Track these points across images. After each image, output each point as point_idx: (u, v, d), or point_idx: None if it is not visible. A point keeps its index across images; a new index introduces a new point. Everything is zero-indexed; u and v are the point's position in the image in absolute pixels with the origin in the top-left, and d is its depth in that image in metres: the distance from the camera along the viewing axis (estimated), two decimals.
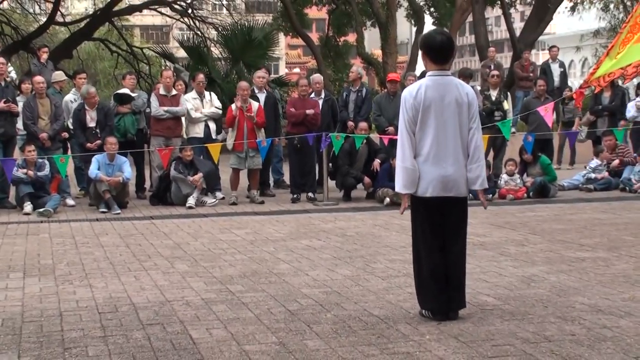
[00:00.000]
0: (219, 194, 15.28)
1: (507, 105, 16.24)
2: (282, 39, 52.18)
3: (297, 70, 72.53)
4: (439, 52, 6.65)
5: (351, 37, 40.88)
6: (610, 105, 17.56)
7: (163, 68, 21.85)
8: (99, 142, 14.63)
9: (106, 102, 15.73)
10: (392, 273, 8.60)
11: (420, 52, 6.92)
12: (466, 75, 15.97)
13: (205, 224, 12.55)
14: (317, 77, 16.52)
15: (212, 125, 15.69)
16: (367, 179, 14.90)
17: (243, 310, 7.07)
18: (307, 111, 15.09)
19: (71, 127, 15.32)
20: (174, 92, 15.55)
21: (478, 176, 6.69)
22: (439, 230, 6.69)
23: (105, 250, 10.34)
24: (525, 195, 15.03)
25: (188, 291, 7.88)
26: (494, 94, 16.25)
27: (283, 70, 70.30)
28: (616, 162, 16.27)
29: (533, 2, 31.56)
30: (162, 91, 15.48)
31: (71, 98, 15.86)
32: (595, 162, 16.46)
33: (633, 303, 7.09)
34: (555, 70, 21.57)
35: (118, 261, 9.55)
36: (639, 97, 17.69)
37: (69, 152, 15.76)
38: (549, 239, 10.64)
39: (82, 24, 31.43)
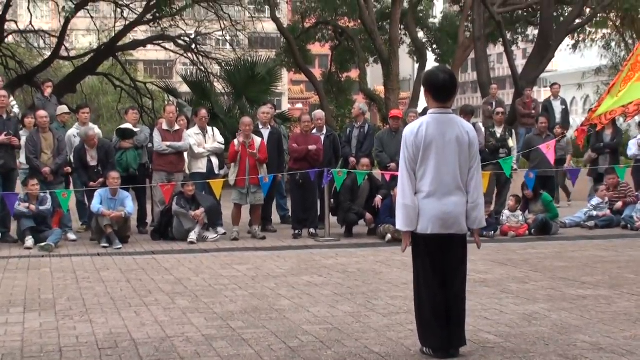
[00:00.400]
0: (220, 230, 15.27)
1: (511, 142, 16.27)
2: (285, 75, 52.35)
3: (299, 105, 72.74)
4: (441, 89, 6.67)
5: (354, 73, 41.10)
6: (612, 143, 17.58)
7: (166, 103, 21.90)
8: (101, 180, 14.66)
9: (106, 141, 15.75)
10: (394, 310, 8.58)
11: (422, 89, 6.95)
12: (468, 112, 16.00)
13: (206, 260, 12.54)
14: (319, 113, 16.59)
15: (215, 161, 15.72)
16: (368, 215, 14.90)
17: (243, 347, 7.05)
18: (310, 147, 15.14)
19: (74, 161, 15.37)
20: (176, 127, 15.59)
21: (476, 216, 6.71)
22: (440, 267, 6.70)
23: (106, 285, 10.32)
24: (527, 232, 15.02)
25: (188, 327, 7.86)
26: (498, 131, 16.27)
27: (286, 106, 70.47)
28: (619, 204, 16.25)
29: (535, 40, 31.70)
30: (164, 126, 15.52)
31: (74, 132, 15.91)
32: (596, 200, 16.45)
33: (634, 341, 7.07)
34: (557, 107, 21.63)
35: (119, 296, 9.54)
36: None
37: (71, 186, 15.79)
38: (551, 276, 10.63)
39: (86, 59, 31.57)
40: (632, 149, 17.44)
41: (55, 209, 14.51)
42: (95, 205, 14.09)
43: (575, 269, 11.20)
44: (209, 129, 15.96)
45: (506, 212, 15.32)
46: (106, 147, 15.16)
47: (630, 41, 33.88)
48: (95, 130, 15.60)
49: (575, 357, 6.60)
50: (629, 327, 7.64)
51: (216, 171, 15.65)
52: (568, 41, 35.70)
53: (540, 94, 75.29)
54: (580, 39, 36.79)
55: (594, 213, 16.16)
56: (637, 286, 9.79)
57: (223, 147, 15.98)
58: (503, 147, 16.01)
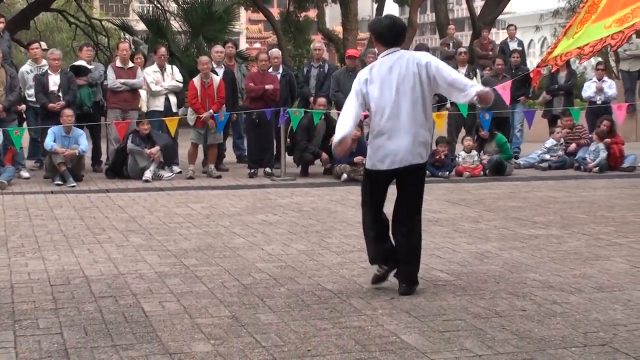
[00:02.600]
0: (176, 168, 15.21)
1: (475, 82, 16.22)
2: (243, 14, 51.96)
3: (257, 45, 72.21)
4: (385, 33, 6.73)
5: (312, 13, 40.84)
6: (566, 85, 17.65)
7: (121, 40, 21.61)
8: (62, 102, 14.44)
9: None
10: (347, 248, 8.62)
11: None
12: (422, 50, 16.00)
13: (161, 198, 12.49)
14: (276, 51, 16.47)
15: (173, 99, 15.58)
16: (324, 155, 14.89)
17: (197, 284, 7.06)
18: (266, 86, 15.04)
19: (28, 98, 15.17)
20: (130, 64, 15.42)
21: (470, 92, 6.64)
22: (380, 194, 6.85)
23: (60, 223, 10.25)
24: (482, 172, 15.12)
25: (142, 264, 7.85)
26: (462, 71, 16.20)
27: (243, 45, 69.87)
28: (573, 145, 16.38)
29: None
30: (118, 63, 15.34)
31: (27, 69, 15.67)
32: (550, 141, 16.57)
33: (583, 280, 7.17)
34: (514, 48, 21.62)
35: (72, 234, 9.48)
36: (596, 77, 17.81)
37: (25, 124, 15.59)
38: (504, 216, 10.72)
39: None
40: (586, 91, 17.56)
41: (7, 147, 14.34)
42: (49, 142, 13.94)
43: (528, 209, 11.31)
44: (168, 67, 15.80)
45: (462, 152, 15.40)
46: (69, 74, 14.95)
47: None
48: (59, 52, 15.36)
49: (525, 294, 6.68)
50: (579, 265, 7.74)
51: (174, 109, 15.51)
52: None
53: (499, 35, 75.37)
54: None
55: (547, 156, 16.28)
56: (588, 226, 9.91)
57: (181, 85, 15.86)
58: None
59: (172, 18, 29.61)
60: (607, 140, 15.78)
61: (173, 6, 30.91)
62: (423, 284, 7.00)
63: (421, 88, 6.64)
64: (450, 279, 7.23)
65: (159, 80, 15.44)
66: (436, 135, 15.47)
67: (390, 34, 6.73)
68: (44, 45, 17.11)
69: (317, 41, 18.85)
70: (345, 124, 6.60)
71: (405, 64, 6.65)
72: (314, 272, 7.53)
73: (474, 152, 15.33)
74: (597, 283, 7.06)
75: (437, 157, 14.99)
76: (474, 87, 6.70)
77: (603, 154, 15.68)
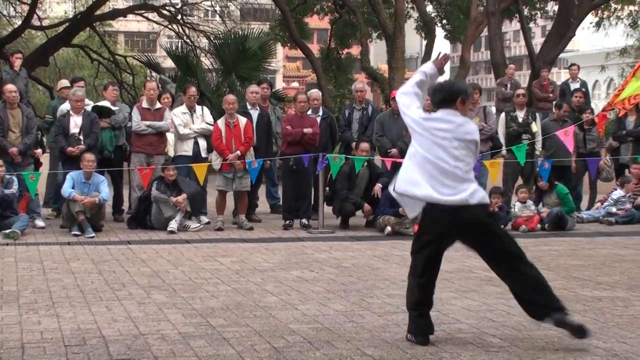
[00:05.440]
0: (203, 219, 15.29)
1: (535, 127, 16.20)
2: (280, 50, 52.29)
3: (295, 84, 72.72)
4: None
5: (355, 50, 40.99)
6: (636, 130, 17.55)
7: (147, 79, 21.89)
8: (82, 147, 14.62)
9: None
10: (390, 309, 8.60)
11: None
12: (475, 88, 16.15)
13: (187, 251, 12.55)
14: (315, 92, 16.57)
15: (203, 143, 15.62)
16: (367, 206, 14.91)
17: (224, 347, 7.07)
18: (305, 130, 15.12)
19: (44, 140, 15.36)
20: (158, 105, 15.59)
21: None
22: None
23: (76, 277, 10.33)
24: (540, 226, 15.03)
25: (164, 324, 7.87)
26: (520, 114, 16.23)
27: (280, 84, 70.52)
28: None
29: (555, 16, 31.70)
30: (145, 104, 15.52)
31: (67, 107, 15.78)
32: (618, 193, 16.47)
33: None
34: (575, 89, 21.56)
35: (89, 289, 9.54)
36: None
37: (40, 169, 15.77)
38: (564, 275, 10.64)
39: (61, 29, 31.52)
40: None
41: (22, 193, 14.50)
42: (67, 189, 14.08)
43: (591, 268, 11.22)
44: (198, 108, 15.93)
45: (517, 203, 15.33)
46: (92, 116, 15.13)
47: None
48: (82, 93, 15.54)
49: None
50: None
51: (203, 154, 15.57)
52: (591, 18, 35.69)
53: (560, 75, 75.34)
54: (605, 16, 36.74)
55: (614, 209, 16.18)
56: None
57: (212, 128, 15.97)
58: (526, 132, 15.98)
59: (203, 55, 29.94)
60: None
61: (204, 42, 31.29)
62: (474, 350, 6.97)
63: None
64: (504, 345, 7.18)
65: (187, 122, 15.56)
66: (490, 185, 15.48)
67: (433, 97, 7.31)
68: (65, 82, 17.35)
69: (359, 81, 18.93)
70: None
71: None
72: (353, 335, 7.52)
73: (530, 202, 15.25)
74: None
75: (491, 209, 14.93)
76: None
77: None
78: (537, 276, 7.22)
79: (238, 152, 14.78)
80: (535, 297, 7.15)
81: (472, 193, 7.05)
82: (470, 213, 7.06)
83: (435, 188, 7.04)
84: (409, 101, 7.42)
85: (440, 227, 7.17)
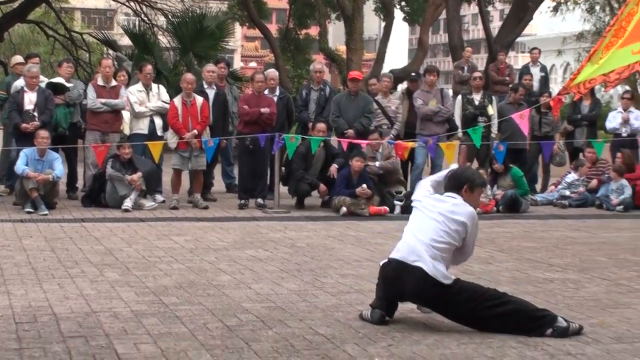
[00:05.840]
0: (159, 197, 15.23)
1: (491, 109, 16.29)
2: (238, 30, 52.15)
3: (253, 64, 72.52)
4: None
5: (313, 31, 40.95)
6: (590, 115, 17.70)
7: (103, 56, 21.71)
8: (36, 123, 14.47)
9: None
10: (343, 289, 8.63)
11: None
12: (433, 72, 16.20)
13: (141, 229, 12.50)
14: (272, 72, 16.54)
15: (158, 121, 15.53)
16: (322, 186, 14.92)
17: (176, 325, 7.06)
18: (262, 110, 15.09)
19: None
20: (113, 83, 15.48)
21: None
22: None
23: (28, 254, 10.25)
24: (495, 209, 15.13)
25: (117, 302, 7.85)
26: (477, 97, 16.31)
27: (238, 64, 70.22)
28: (594, 182, 16.42)
29: (513, 0, 31.82)
30: (100, 82, 15.39)
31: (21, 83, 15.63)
32: (572, 176, 16.62)
33: (602, 329, 7.17)
34: (536, 74, 21.64)
35: (41, 267, 9.48)
36: (622, 107, 17.82)
37: None
38: (517, 257, 10.73)
39: (16, 4, 31.12)
40: (611, 122, 17.53)
41: None
42: (20, 166, 13.96)
43: (544, 250, 11.32)
44: (154, 86, 15.84)
45: None
46: (47, 93, 14.97)
47: (616, 5, 34.07)
48: (37, 69, 15.36)
49: (536, 343, 6.68)
50: (597, 313, 7.75)
51: (159, 133, 15.49)
52: (548, 3, 35.89)
53: (518, 59, 75.71)
54: (562, 0, 36.94)
55: (567, 192, 16.33)
56: (608, 270, 9.92)
57: (168, 106, 15.88)
58: (482, 115, 16.05)
59: (160, 33, 29.73)
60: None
61: (162, 20, 31.04)
62: (425, 330, 7.01)
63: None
64: (456, 326, 7.21)
65: (143, 100, 15.47)
66: (445, 166, 15.53)
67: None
68: (19, 58, 17.16)
69: (318, 62, 18.92)
70: None
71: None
72: (305, 314, 7.53)
73: (487, 187, 15.34)
74: (616, 333, 7.07)
75: None
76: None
77: (628, 192, 15.72)
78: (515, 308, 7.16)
79: (195, 131, 14.73)
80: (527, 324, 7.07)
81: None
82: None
83: None
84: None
85: None
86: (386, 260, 7.43)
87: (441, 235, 7.18)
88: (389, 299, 7.30)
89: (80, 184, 16.05)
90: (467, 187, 7.38)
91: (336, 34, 54.82)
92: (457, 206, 7.29)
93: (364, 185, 14.34)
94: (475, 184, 7.46)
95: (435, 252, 7.13)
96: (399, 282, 7.17)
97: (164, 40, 29.22)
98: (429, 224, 7.25)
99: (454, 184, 7.46)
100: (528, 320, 7.00)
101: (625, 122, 17.29)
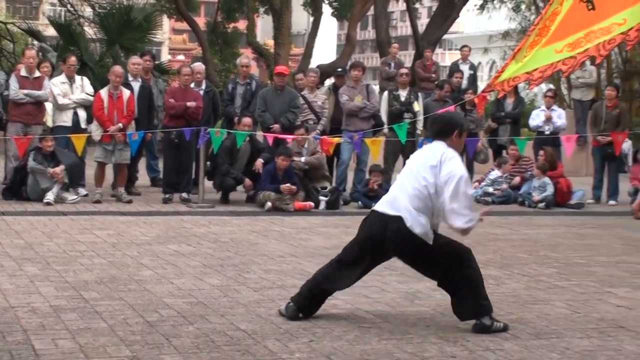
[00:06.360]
0: (81, 190, 15.06)
1: (417, 106, 16.34)
2: (166, 22, 51.80)
3: (181, 57, 72.07)
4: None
5: (242, 24, 40.80)
6: (513, 112, 17.89)
7: (27, 47, 21.42)
8: None
9: None
10: (266, 284, 8.62)
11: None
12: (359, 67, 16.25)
13: (63, 223, 12.35)
14: (199, 66, 16.48)
15: (82, 114, 15.39)
16: (247, 181, 14.88)
17: (96, 320, 7.00)
18: (188, 103, 15.00)
19: None
20: (37, 73, 15.24)
21: None
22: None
23: None
24: None
25: (36, 297, 7.75)
26: (403, 94, 16.33)
27: (166, 57, 69.73)
28: (517, 179, 16.60)
29: None
30: (23, 72, 15.16)
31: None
32: (495, 173, 16.78)
33: (520, 325, 7.26)
34: (465, 71, 21.82)
35: None
36: (545, 105, 18.04)
37: None
38: None
39: None
40: (534, 120, 17.73)
41: None
42: None
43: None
44: (78, 78, 15.66)
45: None
46: None
47: (541, 4, 34.42)
48: None
49: (456, 339, 6.75)
50: (516, 309, 7.85)
51: (83, 125, 15.33)
52: (475, 1, 36.11)
53: (445, 56, 76.23)
54: None
55: (490, 189, 16.50)
56: (528, 267, 10.05)
57: (92, 98, 15.70)
58: (408, 112, 16.10)
59: (87, 24, 29.39)
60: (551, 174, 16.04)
61: (88, 11, 30.69)
62: (346, 325, 7.03)
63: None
64: (377, 321, 7.26)
65: (67, 92, 15.29)
66: (371, 162, 15.62)
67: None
68: None
69: (244, 56, 18.86)
70: None
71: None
72: (227, 309, 7.52)
73: None
74: (534, 329, 7.16)
75: (370, 187, 15.07)
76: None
77: (550, 189, 15.92)
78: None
79: (120, 124, 14.60)
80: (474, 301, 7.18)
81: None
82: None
83: None
84: None
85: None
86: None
87: (415, 183, 7.11)
88: (372, 254, 7.30)
89: (1, 176, 15.81)
90: (458, 132, 7.34)
91: (265, 28, 54.65)
92: (432, 151, 7.25)
93: (289, 184, 14.35)
94: (464, 128, 7.45)
95: (415, 202, 7.05)
96: (379, 234, 7.14)
97: (90, 31, 28.86)
98: (409, 175, 7.23)
99: (445, 128, 7.35)
100: (477, 297, 7.11)
101: (548, 120, 17.50)
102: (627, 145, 20.19)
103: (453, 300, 7.25)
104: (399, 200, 7.10)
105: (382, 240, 7.12)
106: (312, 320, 7.16)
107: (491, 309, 7.12)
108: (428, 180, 7.05)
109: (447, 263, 7.17)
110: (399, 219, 7.00)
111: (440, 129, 7.34)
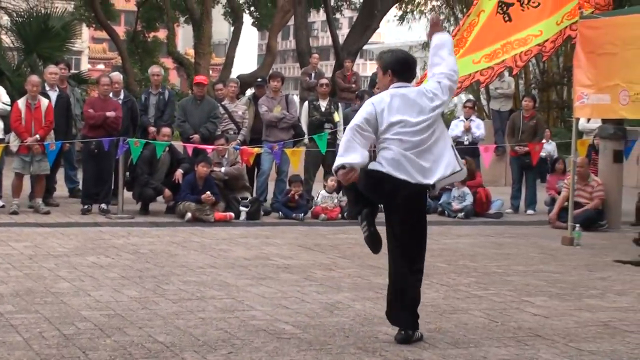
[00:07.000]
0: None
1: (337, 116, 16.38)
2: (86, 31, 51.34)
3: (101, 66, 71.47)
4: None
5: (162, 34, 40.66)
6: None
7: None
8: None
9: None
10: (185, 296, 8.57)
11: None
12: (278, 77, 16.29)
13: None
14: (116, 75, 16.37)
15: None
16: (167, 191, 14.77)
17: (10, 334, 6.89)
18: (107, 113, 14.87)
19: None
20: None
21: None
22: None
23: None
24: (340, 215, 15.26)
25: None
26: (323, 104, 16.34)
27: (86, 66, 69.09)
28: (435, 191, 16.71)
29: (360, 8, 32.22)
30: None
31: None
32: None
33: (439, 334, 7.32)
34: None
35: None
36: (464, 116, 18.24)
37: None
38: (359, 263, 10.84)
39: None
40: (454, 130, 17.89)
41: None
42: None
43: (385, 257, 11.41)
44: None
45: (323, 192, 15.48)
46: None
47: (460, 15, 34.85)
48: None
49: (375, 349, 6.77)
50: (435, 319, 7.90)
51: (0, 135, 15.13)
52: (395, 11, 36.44)
53: (366, 67, 76.72)
54: (408, 10, 37.59)
55: None
56: (447, 276, 10.12)
57: (9, 108, 15.46)
58: (328, 122, 16.12)
59: (3, 32, 29.00)
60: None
61: (5, 19, 30.29)
62: (265, 337, 7.02)
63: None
64: (296, 332, 7.26)
65: None
66: (291, 173, 15.63)
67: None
68: None
69: (156, 66, 18.73)
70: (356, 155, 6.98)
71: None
72: (145, 322, 7.45)
73: (335, 195, 15.44)
74: (452, 338, 7.22)
75: (291, 197, 15.08)
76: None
77: (469, 199, 16.08)
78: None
79: (37, 135, 14.41)
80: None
81: None
82: None
83: None
84: None
85: None
86: None
87: None
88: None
89: None
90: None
91: (186, 38, 54.46)
92: None
93: (209, 192, 14.28)
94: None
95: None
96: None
97: (7, 40, 28.51)
98: None
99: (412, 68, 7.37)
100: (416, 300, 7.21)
101: (467, 130, 17.72)
102: (551, 147, 20.53)
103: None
104: None
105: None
106: (230, 332, 7.13)
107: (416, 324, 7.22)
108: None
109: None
110: None
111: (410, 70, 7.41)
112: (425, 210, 7.48)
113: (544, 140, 20.51)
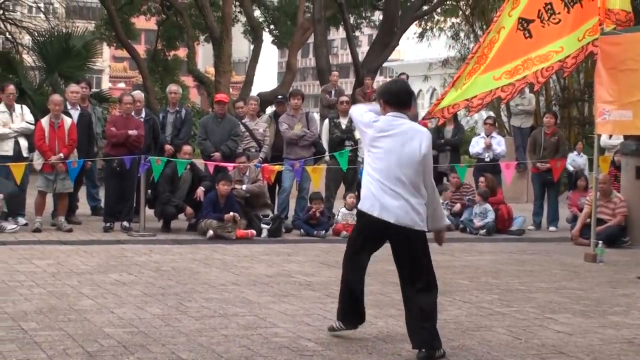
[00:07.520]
0: (21, 220, 14.90)
1: (358, 134, 16.39)
2: (107, 50, 51.59)
3: (122, 85, 71.80)
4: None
5: (182, 52, 40.80)
6: (453, 140, 18.03)
7: None
8: None
9: None
10: (207, 313, 8.58)
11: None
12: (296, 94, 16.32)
13: (1, 253, 12.17)
14: (138, 94, 16.40)
15: (24, 142, 15.21)
16: (189, 209, 14.82)
17: (35, 351, 6.91)
18: (130, 132, 14.94)
19: None
20: None
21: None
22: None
23: None
24: None
25: None
26: (344, 121, 16.35)
27: (107, 85, 69.48)
28: (458, 206, 16.73)
29: (379, 26, 32.26)
30: None
31: None
32: None
33: (462, 352, 7.30)
34: None
35: None
36: (485, 132, 18.21)
37: None
38: (381, 280, 10.81)
39: None
40: (474, 147, 17.88)
41: None
42: None
43: None
44: (17, 106, 15.51)
45: (343, 209, 15.49)
46: None
47: (479, 32, 34.71)
48: None
49: None
50: (457, 336, 7.88)
51: (25, 154, 15.17)
52: (415, 29, 36.44)
53: None
54: (428, 27, 37.61)
55: None
56: (470, 293, 10.11)
57: (33, 127, 15.54)
58: (349, 139, 16.12)
59: (25, 52, 29.21)
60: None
61: (27, 39, 30.52)
62: (288, 354, 7.02)
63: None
64: (319, 349, 7.26)
65: (7, 121, 15.13)
66: (312, 190, 15.65)
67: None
68: None
69: (173, 84, 18.80)
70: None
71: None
72: (168, 339, 7.46)
73: (356, 210, 15.41)
74: (476, 356, 7.21)
75: (312, 214, 15.09)
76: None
77: (491, 216, 16.06)
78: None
79: (61, 154, 14.48)
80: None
81: None
82: None
83: None
84: None
85: None
86: None
87: None
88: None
89: None
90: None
91: (206, 56, 54.67)
92: None
93: (232, 213, 14.34)
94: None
95: None
96: None
97: (29, 59, 28.71)
98: None
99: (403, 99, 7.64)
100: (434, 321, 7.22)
101: (488, 147, 17.68)
102: (582, 160, 20.46)
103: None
104: None
105: None
106: (253, 349, 7.14)
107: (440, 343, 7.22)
108: None
109: None
110: None
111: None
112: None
113: (575, 152, 20.60)
